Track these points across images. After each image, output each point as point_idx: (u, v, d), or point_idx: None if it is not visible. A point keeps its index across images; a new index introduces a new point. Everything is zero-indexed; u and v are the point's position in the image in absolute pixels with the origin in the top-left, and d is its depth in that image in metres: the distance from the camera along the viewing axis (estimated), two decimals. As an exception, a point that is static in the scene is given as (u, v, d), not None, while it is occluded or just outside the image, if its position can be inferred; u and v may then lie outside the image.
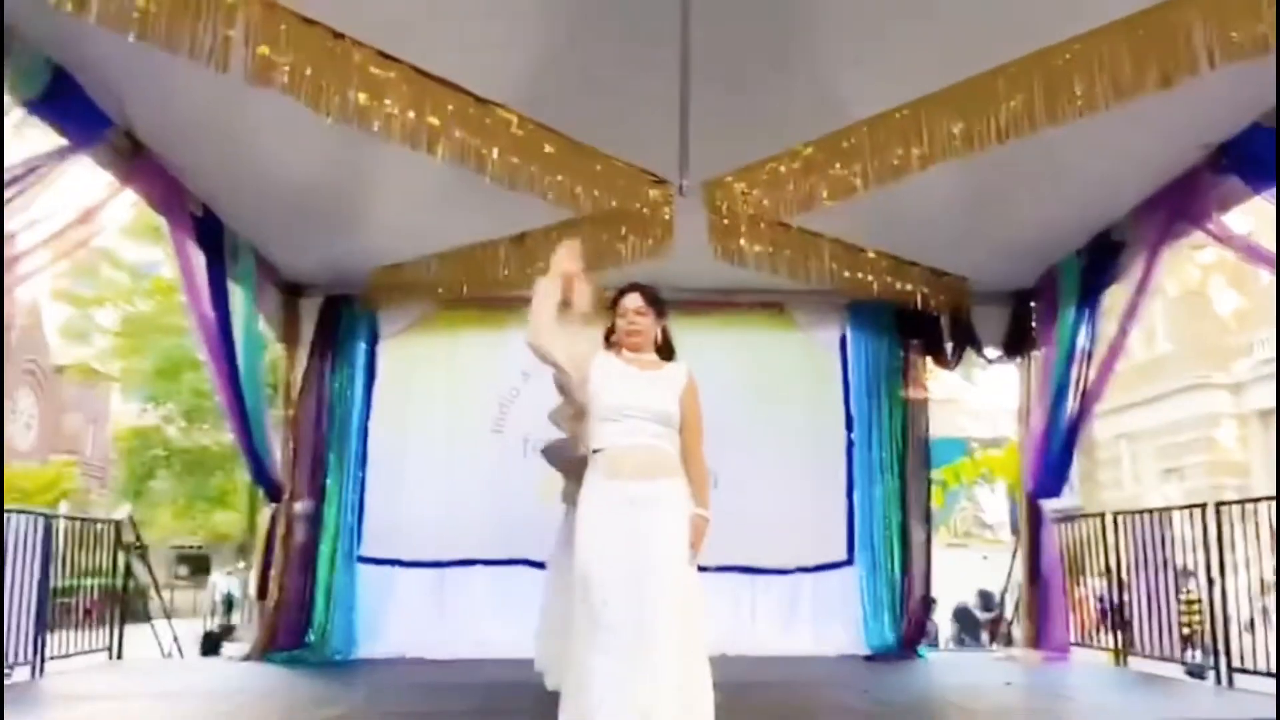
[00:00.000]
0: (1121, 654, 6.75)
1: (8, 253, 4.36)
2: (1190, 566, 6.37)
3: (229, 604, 22.85)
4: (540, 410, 6.94)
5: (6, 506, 5.74)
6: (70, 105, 4.45)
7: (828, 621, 7.56)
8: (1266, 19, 3.71)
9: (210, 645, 7.50)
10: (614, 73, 4.84)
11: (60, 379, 31.79)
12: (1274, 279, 5.34)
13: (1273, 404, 20.68)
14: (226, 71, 3.77)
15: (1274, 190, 4.75)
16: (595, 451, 3.48)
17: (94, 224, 5.07)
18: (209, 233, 6.02)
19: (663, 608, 3.25)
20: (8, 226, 4.30)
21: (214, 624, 21.44)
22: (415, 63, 4.41)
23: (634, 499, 3.36)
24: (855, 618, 7.51)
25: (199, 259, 5.98)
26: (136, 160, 5.13)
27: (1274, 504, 6.11)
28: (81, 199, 5.00)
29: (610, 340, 3.67)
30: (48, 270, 5.03)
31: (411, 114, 4.36)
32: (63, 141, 4.52)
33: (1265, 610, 7.16)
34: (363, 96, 4.20)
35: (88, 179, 5.04)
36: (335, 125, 4.28)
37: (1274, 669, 5.58)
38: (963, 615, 13.56)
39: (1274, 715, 4.42)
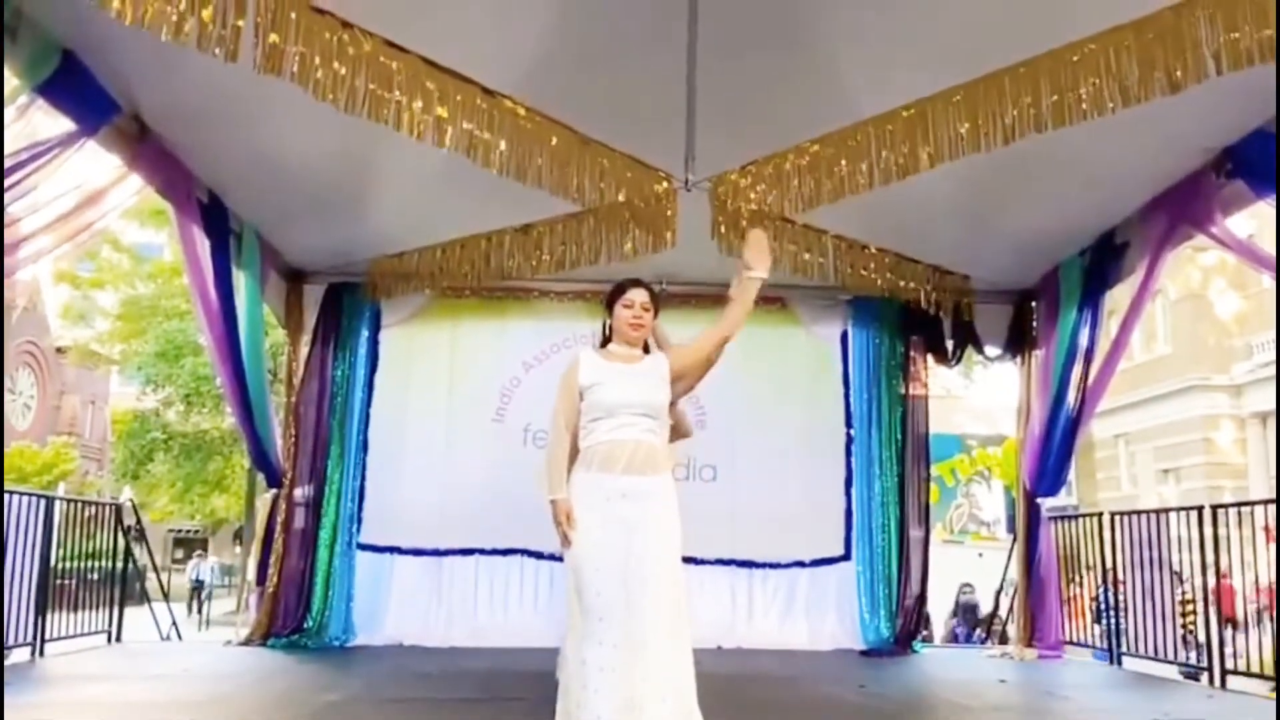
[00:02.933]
0: (1115, 653, 6.79)
1: (9, 237, 4.36)
2: (1185, 568, 6.41)
3: (199, 588, 22.99)
4: (541, 399, 6.96)
5: (6, 487, 5.75)
6: (78, 89, 4.43)
7: (824, 616, 7.59)
8: (1274, 24, 3.72)
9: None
10: (621, 67, 4.85)
11: (60, 360, 31.83)
12: (1274, 282, 5.35)
13: (1270, 407, 20.73)
14: (236, 61, 3.77)
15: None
16: (589, 445, 3.53)
17: (99, 208, 5.08)
18: (214, 218, 6.01)
19: (654, 600, 3.32)
20: (11, 209, 4.30)
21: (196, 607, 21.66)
22: (424, 53, 4.42)
23: (626, 492, 3.43)
24: (851, 613, 7.54)
25: (204, 244, 5.98)
26: (143, 144, 5.13)
27: (1269, 507, 6.15)
28: (87, 183, 5.00)
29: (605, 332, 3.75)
30: (51, 254, 5.04)
31: (419, 104, 4.36)
32: (70, 125, 4.52)
33: (1260, 613, 7.18)
34: (371, 86, 4.20)
35: (94, 163, 5.04)
36: (343, 114, 4.29)
37: (1268, 672, 5.63)
38: (964, 609, 13.60)
39: (1270, 718, 4.45)
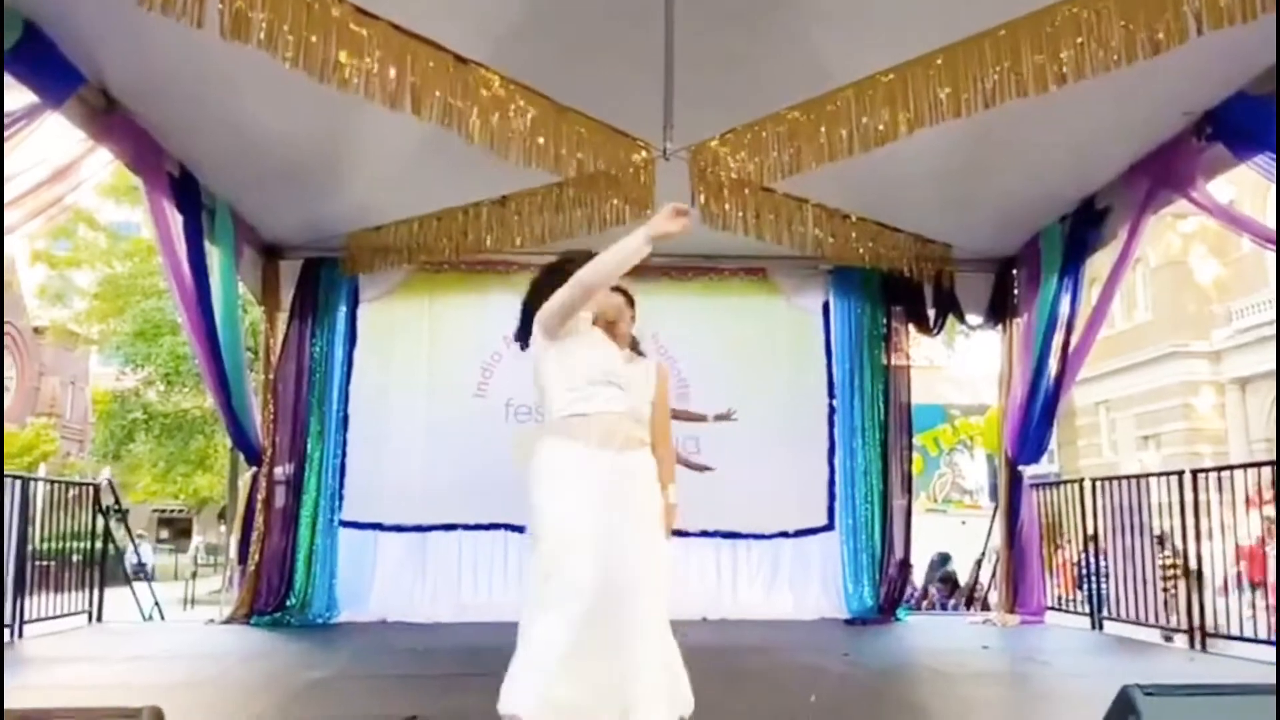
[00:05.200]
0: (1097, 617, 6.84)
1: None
2: (1166, 532, 6.46)
3: (142, 573, 22.66)
4: (522, 373, 6.91)
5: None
6: (42, 61, 4.34)
7: (808, 586, 7.61)
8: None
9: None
10: (598, 35, 4.78)
11: (38, 341, 31.55)
12: (1254, 248, 5.36)
13: (1249, 372, 20.90)
14: (201, 26, 3.69)
15: (1258, 158, 4.75)
16: (582, 415, 3.23)
17: (68, 182, 4.98)
18: (186, 193, 5.92)
19: (647, 580, 3.16)
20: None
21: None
22: (395, 20, 4.33)
23: (619, 469, 3.19)
24: (835, 582, 7.57)
25: (176, 220, 5.89)
26: (111, 118, 5.03)
27: (1249, 471, 6.19)
28: (56, 157, 4.91)
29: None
30: (22, 229, 4.95)
31: (391, 72, 4.29)
32: (34, 98, 4.42)
33: (1239, 576, 7.24)
34: (341, 54, 4.12)
35: (62, 136, 4.94)
36: (315, 84, 4.21)
37: (1246, 634, 5.68)
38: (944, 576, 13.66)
39: (1263, 681, 4.47)
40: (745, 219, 6.10)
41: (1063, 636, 6.70)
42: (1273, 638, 5.46)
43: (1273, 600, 5.78)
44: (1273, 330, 19.46)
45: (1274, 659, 5.44)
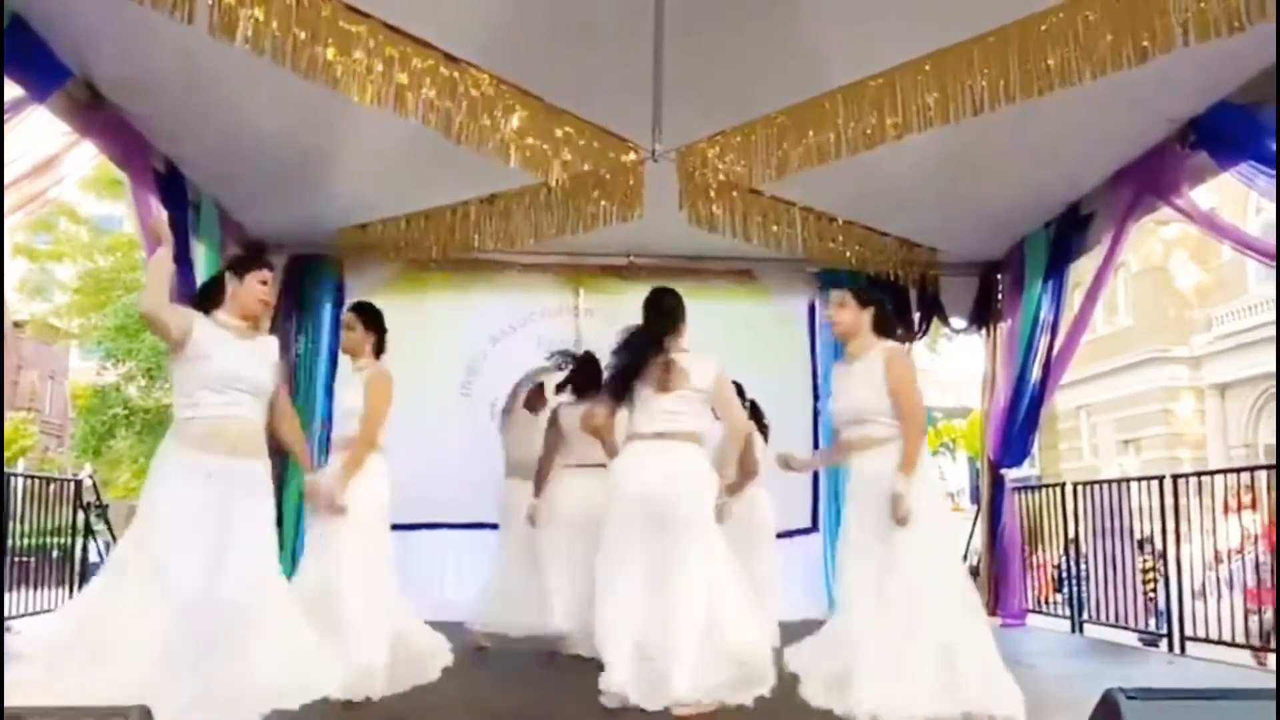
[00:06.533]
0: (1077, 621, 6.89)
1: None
2: (1146, 536, 6.51)
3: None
4: (507, 373, 6.90)
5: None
6: (28, 54, 4.30)
7: (791, 587, 7.59)
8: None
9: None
10: (588, 35, 4.77)
11: (17, 335, 31.26)
12: (1235, 255, 5.40)
13: (1229, 378, 21.07)
14: (191, 23, 3.67)
15: (1241, 166, 4.80)
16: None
17: (51, 176, 4.94)
18: (172, 189, 5.87)
19: None
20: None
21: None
22: (385, 18, 4.32)
23: None
24: (818, 583, 7.58)
25: (161, 216, 5.84)
26: (97, 113, 4.98)
27: (1228, 476, 6.25)
28: (39, 150, 4.87)
29: None
30: (4, 222, 4.91)
31: (380, 70, 4.27)
32: (20, 91, 4.38)
33: (1217, 581, 7.32)
34: (330, 51, 4.10)
35: (46, 130, 4.89)
36: (303, 81, 4.19)
37: (1224, 638, 5.74)
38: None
39: (1242, 685, 4.51)
40: (733, 221, 6.12)
41: (1043, 639, 6.73)
42: (1250, 641, 5.53)
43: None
44: (1252, 337, 19.63)
45: (1250, 663, 5.51)
